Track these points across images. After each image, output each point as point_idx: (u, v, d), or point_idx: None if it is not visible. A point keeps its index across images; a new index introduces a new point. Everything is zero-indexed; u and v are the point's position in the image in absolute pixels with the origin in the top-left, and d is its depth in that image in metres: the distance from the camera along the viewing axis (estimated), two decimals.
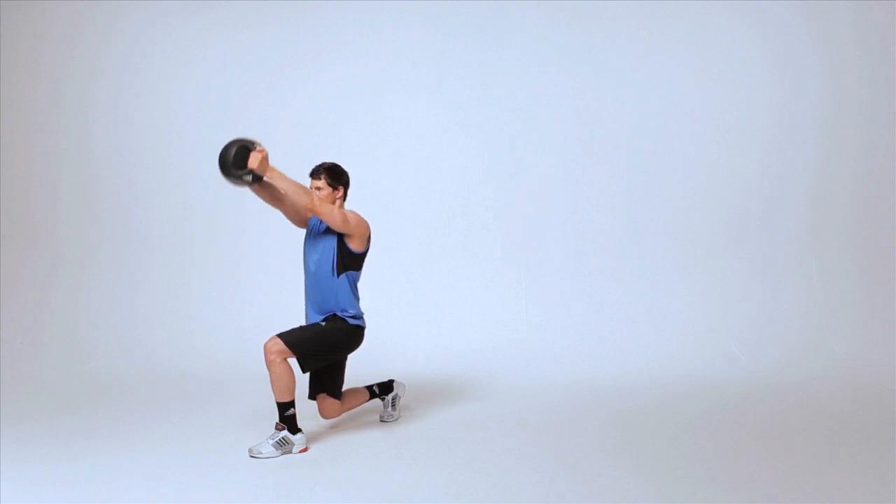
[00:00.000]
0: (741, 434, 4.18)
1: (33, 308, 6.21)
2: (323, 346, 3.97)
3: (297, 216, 4.15)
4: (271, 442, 3.82)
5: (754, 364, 5.50)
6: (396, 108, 6.20)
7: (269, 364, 3.83)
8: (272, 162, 3.89)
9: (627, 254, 6.04)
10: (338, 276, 4.01)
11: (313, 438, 4.08)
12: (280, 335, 3.89)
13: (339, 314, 4.03)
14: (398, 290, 6.05)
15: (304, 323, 4.13)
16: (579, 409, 4.66)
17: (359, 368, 5.50)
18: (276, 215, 6.22)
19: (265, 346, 3.86)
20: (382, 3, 6.21)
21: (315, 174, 4.07)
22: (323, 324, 4.01)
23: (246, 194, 6.24)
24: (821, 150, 6.03)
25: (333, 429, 4.27)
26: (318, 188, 4.04)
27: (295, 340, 3.89)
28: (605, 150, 6.11)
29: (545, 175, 6.15)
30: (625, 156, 6.11)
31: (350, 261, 4.04)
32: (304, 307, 4.16)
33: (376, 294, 6.04)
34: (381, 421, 4.41)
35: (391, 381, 4.52)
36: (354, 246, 4.04)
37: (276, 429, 3.85)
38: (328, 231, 4.03)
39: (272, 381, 3.83)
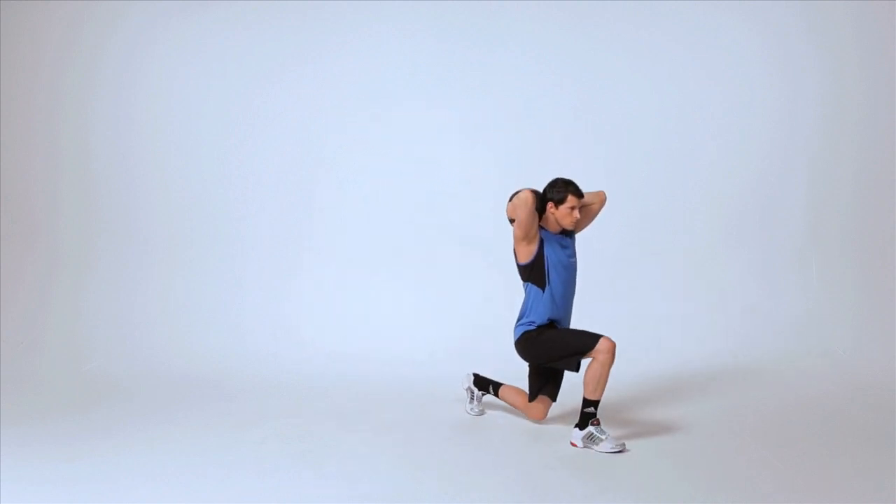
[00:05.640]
0: (741, 434, 4.18)
1: (33, 308, 6.20)
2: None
3: (533, 230, 4.24)
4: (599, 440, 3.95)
5: (754, 363, 5.50)
6: (397, 107, 6.19)
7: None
8: None
9: (627, 254, 6.04)
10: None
11: (313, 437, 4.09)
12: None
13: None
14: (399, 290, 6.05)
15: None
16: (579, 408, 4.65)
17: (362, 369, 5.53)
18: (274, 215, 6.29)
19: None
20: (382, 4, 6.20)
21: (579, 195, 4.24)
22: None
23: (245, 194, 6.30)
24: (821, 150, 6.03)
25: (333, 429, 4.27)
26: (575, 206, 4.24)
27: None
28: (604, 149, 6.11)
29: (545, 175, 6.12)
30: (624, 156, 6.11)
31: None
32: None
33: (378, 295, 6.08)
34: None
35: (478, 390, 4.63)
36: None
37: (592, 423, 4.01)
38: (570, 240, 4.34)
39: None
